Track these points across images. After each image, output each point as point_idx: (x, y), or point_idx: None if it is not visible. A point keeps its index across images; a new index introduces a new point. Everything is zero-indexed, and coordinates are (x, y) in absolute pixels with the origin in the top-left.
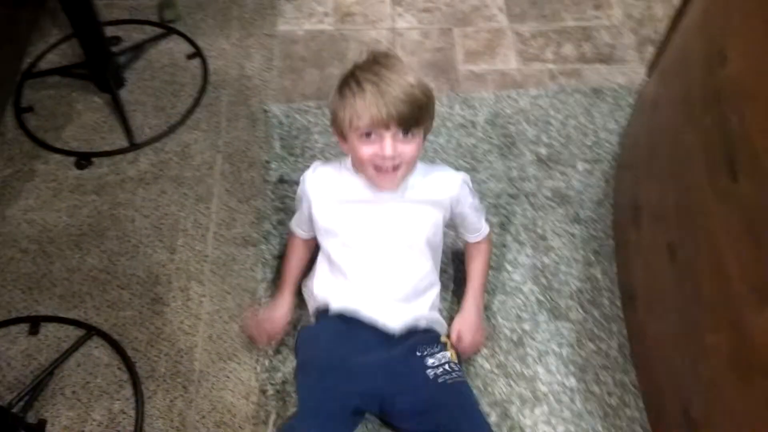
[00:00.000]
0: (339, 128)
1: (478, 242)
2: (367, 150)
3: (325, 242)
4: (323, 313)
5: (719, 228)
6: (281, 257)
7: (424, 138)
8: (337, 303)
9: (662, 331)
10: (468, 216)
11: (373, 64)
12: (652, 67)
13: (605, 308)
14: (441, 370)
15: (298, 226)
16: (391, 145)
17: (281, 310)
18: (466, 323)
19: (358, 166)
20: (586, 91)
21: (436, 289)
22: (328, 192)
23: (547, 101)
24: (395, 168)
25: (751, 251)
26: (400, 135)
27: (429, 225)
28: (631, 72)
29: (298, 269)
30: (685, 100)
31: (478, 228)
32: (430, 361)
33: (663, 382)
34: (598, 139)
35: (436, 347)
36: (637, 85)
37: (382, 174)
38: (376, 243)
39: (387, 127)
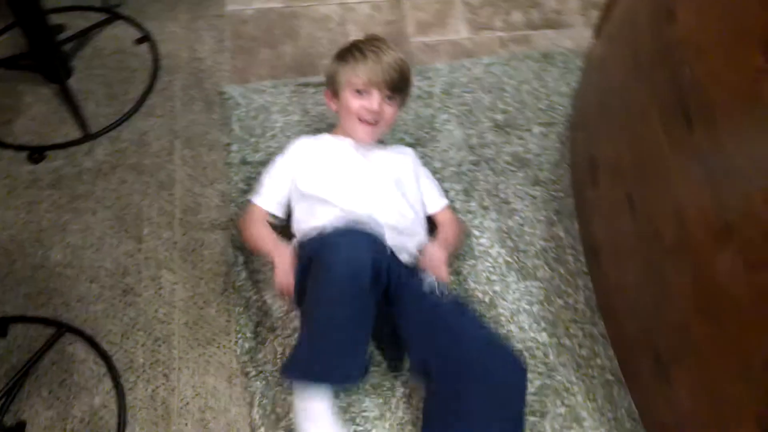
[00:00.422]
0: (334, 87)
1: (442, 212)
2: (356, 102)
3: (311, 190)
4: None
5: (677, 176)
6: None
7: (401, 107)
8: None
9: (626, 280)
10: (426, 182)
11: (372, 40)
12: (598, 29)
13: (570, 265)
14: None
15: (263, 195)
16: (378, 101)
17: (287, 259)
18: (430, 247)
19: (344, 117)
20: (537, 56)
21: (420, 238)
22: (313, 154)
23: (500, 68)
24: (375, 123)
25: (707, 196)
26: (387, 96)
27: (403, 165)
28: (577, 36)
29: (272, 232)
30: (635, 59)
31: (436, 197)
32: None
33: (631, 329)
34: (551, 102)
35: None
36: (584, 48)
37: (364, 125)
38: (360, 185)
39: (378, 87)
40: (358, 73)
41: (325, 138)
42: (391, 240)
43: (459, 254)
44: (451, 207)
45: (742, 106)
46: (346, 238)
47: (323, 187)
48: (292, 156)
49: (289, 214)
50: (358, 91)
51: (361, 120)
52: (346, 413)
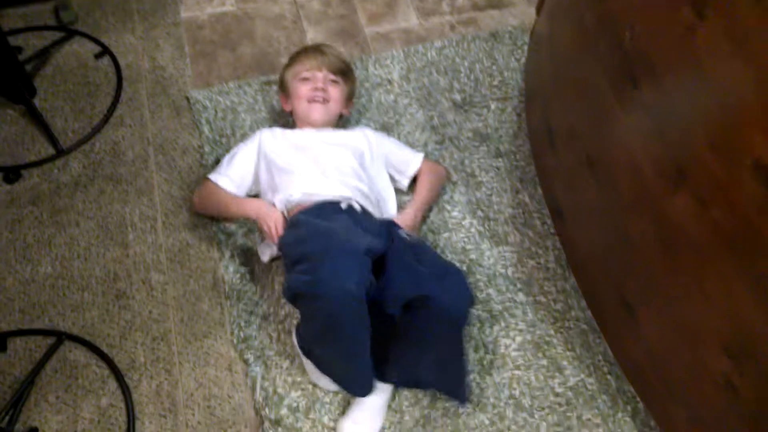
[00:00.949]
0: (284, 85)
1: (421, 166)
2: (304, 87)
3: (278, 176)
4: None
5: (629, 132)
6: (231, 234)
7: (348, 102)
8: (297, 195)
9: (590, 234)
10: (392, 148)
11: (314, 45)
12: (540, 6)
13: (538, 228)
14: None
15: (225, 176)
16: (322, 79)
17: (264, 205)
18: (402, 218)
19: (297, 107)
20: (485, 36)
21: (390, 206)
22: (281, 138)
23: (452, 51)
24: (324, 101)
25: (658, 146)
26: (330, 77)
27: (362, 140)
28: (521, 14)
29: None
30: (580, 28)
31: (410, 156)
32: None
33: (599, 279)
34: (504, 78)
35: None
36: (528, 24)
37: (314, 104)
38: (322, 159)
39: (320, 69)
40: (302, 62)
41: (287, 130)
42: (361, 201)
43: (434, 228)
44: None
45: (678, 60)
46: (328, 268)
47: (289, 161)
48: (256, 141)
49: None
50: (305, 79)
51: (310, 101)
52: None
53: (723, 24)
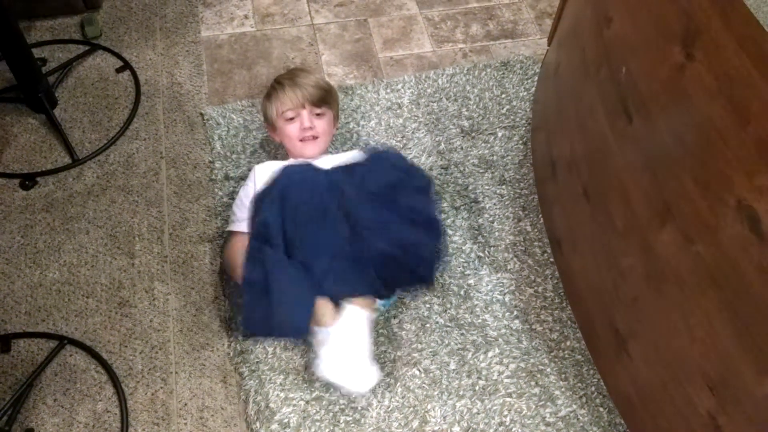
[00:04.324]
0: (270, 122)
1: None
2: (292, 128)
3: None
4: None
5: (622, 165)
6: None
7: (335, 122)
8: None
9: (586, 265)
10: None
11: (288, 72)
12: (551, 37)
13: (537, 256)
14: None
15: (244, 222)
16: (308, 117)
17: None
18: None
19: (289, 144)
20: (496, 65)
21: None
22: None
23: (463, 78)
24: (315, 137)
25: (649, 181)
26: (315, 111)
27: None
28: (533, 44)
29: None
30: (582, 61)
31: None
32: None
33: (593, 310)
34: (512, 107)
35: None
36: (539, 54)
37: (306, 143)
38: None
39: (303, 106)
40: (282, 101)
41: (282, 162)
42: None
43: None
44: None
45: (668, 98)
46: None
47: None
48: (254, 182)
49: None
50: (290, 118)
51: (302, 140)
52: (334, 405)
53: (710, 65)
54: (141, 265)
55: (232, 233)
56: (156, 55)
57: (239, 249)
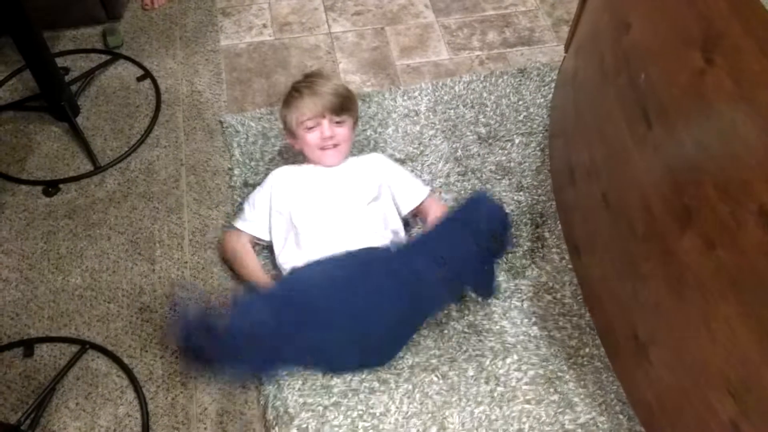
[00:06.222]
0: (290, 129)
1: (427, 200)
2: (312, 137)
3: (293, 217)
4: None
5: (642, 171)
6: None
7: (354, 126)
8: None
9: (605, 271)
10: (400, 182)
11: (306, 77)
12: (569, 43)
13: (556, 262)
14: None
15: (251, 222)
16: (328, 127)
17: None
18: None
19: (309, 152)
20: (513, 72)
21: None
22: (292, 179)
23: (480, 85)
24: (335, 146)
25: (669, 186)
26: (335, 119)
27: (376, 177)
28: (550, 51)
29: (259, 263)
30: (600, 67)
31: (419, 186)
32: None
33: (613, 316)
34: (530, 113)
35: None
36: (556, 61)
37: (326, 151)
38: (333, 206)
39: (323, 115)
40: (301, 110)
41: (302, 167)
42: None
43: None
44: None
45: (689, 103)
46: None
47: (299, 219)
48: (270, 186)
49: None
50: (310, 127)
51: (322, 149)
52: (353, 411)
53: (730, 70)
54: (161, 271)
55: (235, 229)
56: (176, 64)
57: (238, 247)
